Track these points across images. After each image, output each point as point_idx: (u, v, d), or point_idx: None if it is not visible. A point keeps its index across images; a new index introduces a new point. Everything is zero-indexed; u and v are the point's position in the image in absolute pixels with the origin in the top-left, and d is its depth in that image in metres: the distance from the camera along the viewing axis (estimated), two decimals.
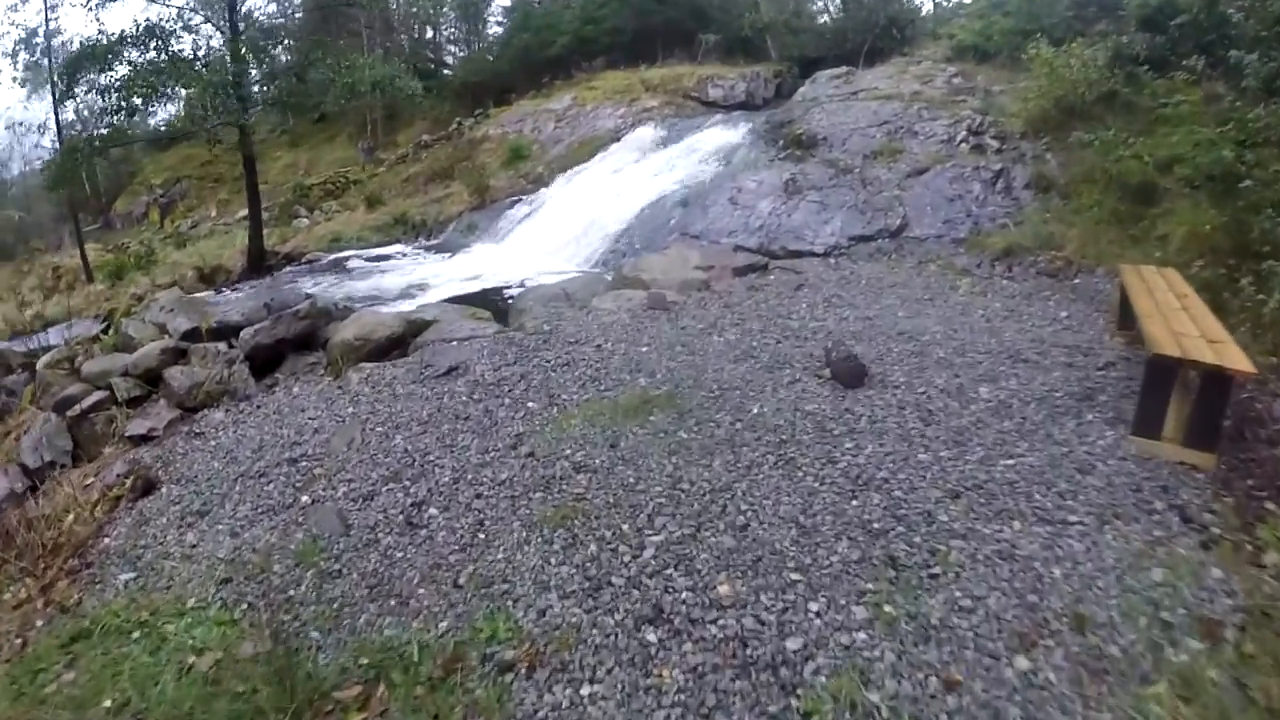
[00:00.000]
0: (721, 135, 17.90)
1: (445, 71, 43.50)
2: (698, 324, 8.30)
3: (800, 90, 22.76)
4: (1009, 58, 18.77)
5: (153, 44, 19.06)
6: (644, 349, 7.67)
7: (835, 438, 5.62)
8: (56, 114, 26.50)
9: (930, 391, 6.34)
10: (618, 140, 22.32)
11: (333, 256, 21.26)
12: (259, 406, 7.86)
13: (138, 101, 18.60)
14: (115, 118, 19.56)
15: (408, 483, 5.60)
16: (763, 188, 13.96)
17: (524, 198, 20.90)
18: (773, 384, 6.65)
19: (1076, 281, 9.75)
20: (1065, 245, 10.56)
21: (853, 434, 5.65)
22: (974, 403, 6.08)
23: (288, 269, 20.64)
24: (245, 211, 33.77)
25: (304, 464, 6.23)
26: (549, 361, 7.54)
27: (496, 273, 14.89)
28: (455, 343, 8.24)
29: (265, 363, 8.86)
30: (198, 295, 14.61)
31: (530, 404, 6.63)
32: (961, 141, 14.46)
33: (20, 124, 39.18)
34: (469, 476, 5.53)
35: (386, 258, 19.76)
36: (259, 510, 5.71)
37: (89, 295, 20.61)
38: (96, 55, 18.83)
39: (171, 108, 21.35)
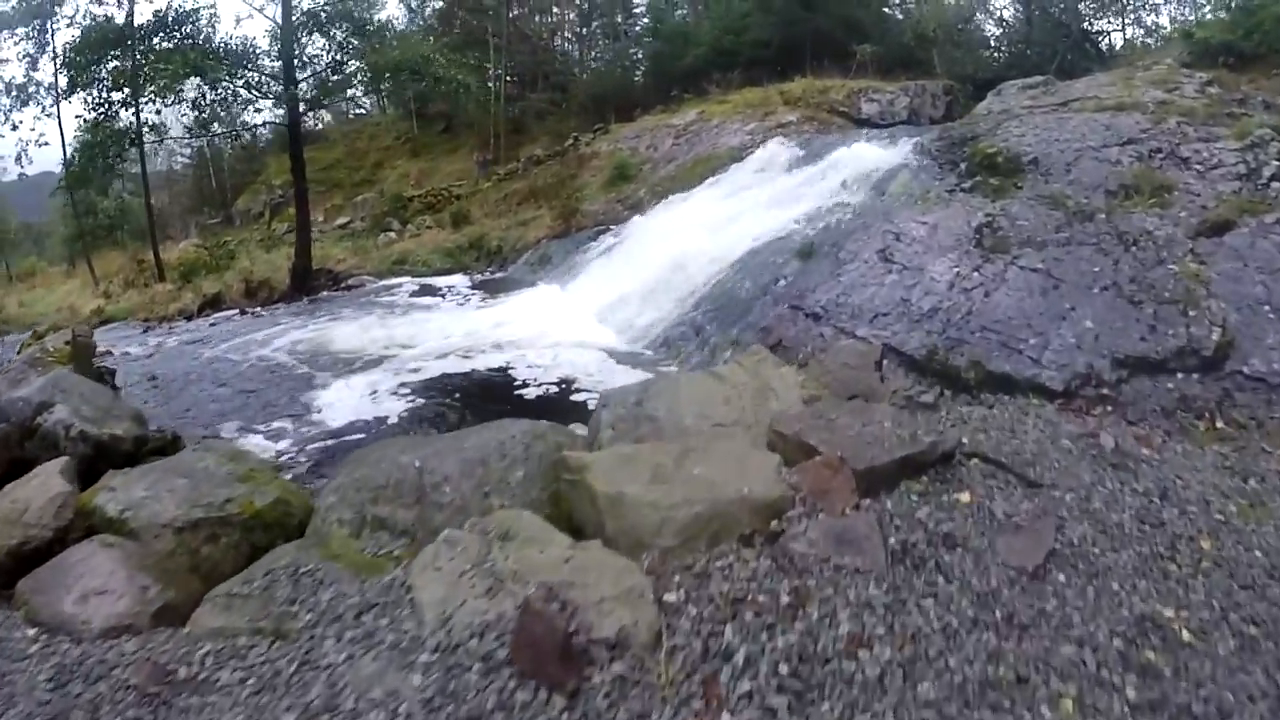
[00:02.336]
0: (873, 153, 12.05)
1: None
2: None
3: (982, 104, 16.82)
4: None
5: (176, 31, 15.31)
6: None
7: None
8: (138, 110, 22.98)
9: None
10: (739, 160, 16.73)
11: (381, 283, 17.29)
12: None
13: (117, 97, 15.26)
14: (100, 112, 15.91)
15: None
16: (937, 236, 8.07)
17: (613, 227, 15.78)
18: None
19: None
20: None
21: None
22: None
23: (324, 293, 16.57)
24: (346, 219, 30.74)
25: None
26: None
27: (527, 338, 9.86)
28: None
29: None
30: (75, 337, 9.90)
31: None
32: (1274, 178, 8.37)
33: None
34: None
35: (433, 290, 15.38)
36: None
37: (154, 295, 18.50)
38: (100, 43, 15.22)
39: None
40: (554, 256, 15.81)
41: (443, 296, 14.37)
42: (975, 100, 19.72)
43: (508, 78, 36.43)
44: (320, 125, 43.76)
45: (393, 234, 25.33)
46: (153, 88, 15.10)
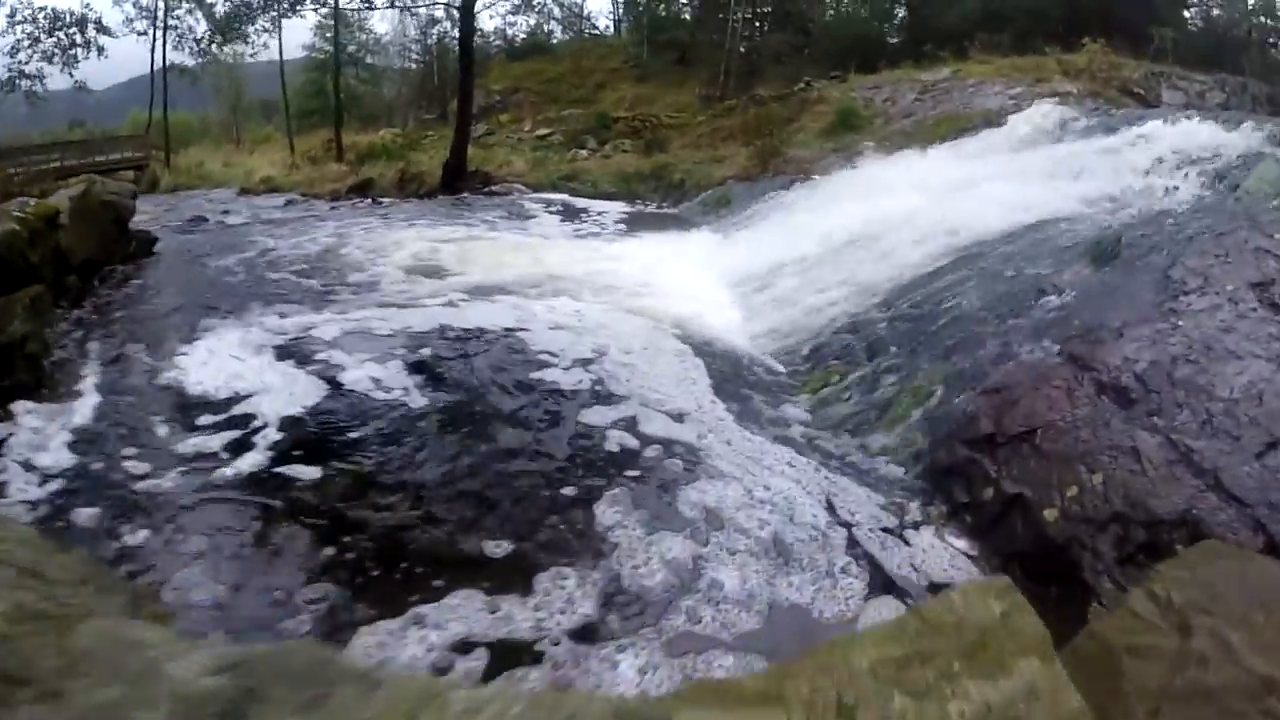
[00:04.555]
0: (1205, 130, 7.63)
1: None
2: None
3: None
4: None
5: None
6: None
7: None
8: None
9: None
10: (994, 125, 12.34)
11: (532, 194, 14.98)
12: None
13: None
14: None
15: None
16: None
17: (817, 177, 12.02)
18: None
19: None
20: None
21: None
22: None
23: (468, 194, 14.76)
24: (548, 130, 28.31)
25: None
26: None
27: (613, 287, 6.44)
28: None
29: None
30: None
31: None
32: None
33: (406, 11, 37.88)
34: None
35: (575, 213, 12.64)
36: None
37: (323, 173, 18.88)
38: None
39: None
40: (734, 200, 12.40)
41: (579, 221, 11.34)
42: None
43: (749, 17, 32.87)
44: (554, 40, 42.03)
45: (585, 151, 22.76)
46: None
